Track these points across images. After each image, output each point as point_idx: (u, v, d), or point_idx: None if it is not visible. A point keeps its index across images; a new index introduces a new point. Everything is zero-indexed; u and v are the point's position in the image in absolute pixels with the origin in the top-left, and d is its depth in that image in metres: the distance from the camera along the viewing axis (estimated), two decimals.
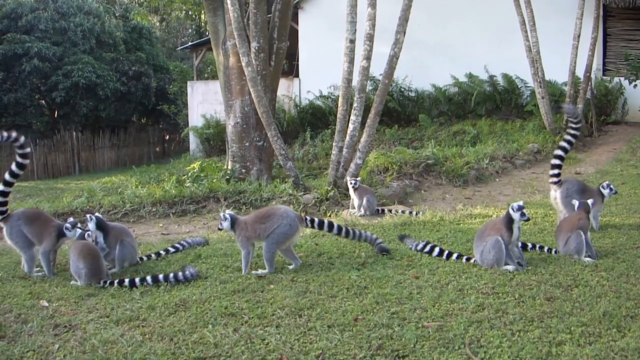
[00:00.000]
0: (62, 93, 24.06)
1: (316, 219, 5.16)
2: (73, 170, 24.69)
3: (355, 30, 8.15)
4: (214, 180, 8.87)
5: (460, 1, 16.35)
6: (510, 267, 4.58)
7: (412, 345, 3.33)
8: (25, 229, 5.01)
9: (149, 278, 4.60)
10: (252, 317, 3.82)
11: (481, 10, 16.03)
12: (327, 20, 17.28)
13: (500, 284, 4.27)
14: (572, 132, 5.89)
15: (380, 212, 7.26)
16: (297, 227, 4.92)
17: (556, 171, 5.97)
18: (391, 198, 8.03)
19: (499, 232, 4.65)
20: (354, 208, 7.29)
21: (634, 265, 4.61)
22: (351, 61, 8.21)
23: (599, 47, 14.58)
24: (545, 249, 5.14)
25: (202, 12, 27.22)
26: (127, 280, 4.59)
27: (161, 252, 5.60)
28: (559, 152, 5.92)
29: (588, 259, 4.78)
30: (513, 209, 4.63)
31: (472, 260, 4.85)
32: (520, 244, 4.86)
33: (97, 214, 5.65)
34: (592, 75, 13.58)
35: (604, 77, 15.10)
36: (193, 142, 21.36)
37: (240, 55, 8.67)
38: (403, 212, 7.12)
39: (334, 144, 8.39)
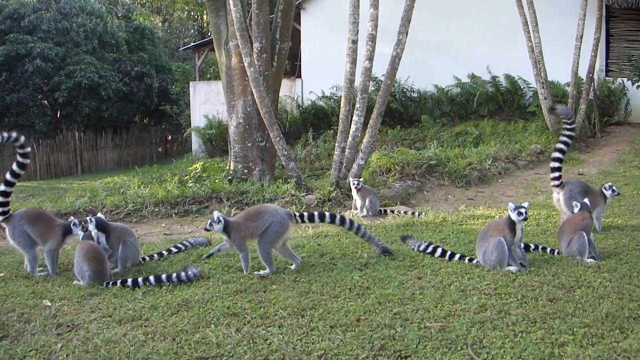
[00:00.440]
0: (65, 93, 24.11)
1: (305, 213, 5.14)
2: (75, 171, 24.73)
3: (358, 30, 8.15)
4: (216, 181, 8.87)
5: (463, 2, 16.35)
6: (512, 268, 4.58)
7: (415, 346, 3.33)
8: (28, 229, 5.02)
9: (151, 278, 4.61)
10: (255, 317, 3.82)
11: (483, 10, 16.03)
12: (329, 21, 17.30)
13: (502, 284, 4.27)
14: (568, 132, 5.86)
15: (382, 212, 7.26)
16: (287, 224, 4.90)
17: (557, 174, 5.95)
18: (393, 199, 8.03)
19: (501, 233, 4.65)
20: (356, 209, 7.29)
21: (636, 266, 4.60)
22: (353, 62, 8.21)
23: (602, 47, 14.56)
24: (548, 250, 5.13)
25: (205, 12, 27.18)
26: (129, 280, 4.60)
27: (163, 252, 5.61)
28: (556, 154, 5.90)
29: (591, 260, 4.77)
30: (511, 209, 4.63)
31: (474, 261, 4.85)
32: (522, 244, 4.86)
33: (99, 214, 5.65)
34: (595, 76, 13.56)
35: (607, 78, 15.08)
36: (195, 143, 21.39)
37: (243, 55, 8.67)
38: (405, 212, 7.12)
39: (336, 144, 8.39)
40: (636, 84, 13.30)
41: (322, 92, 18.28)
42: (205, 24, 33.81)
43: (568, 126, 5.82)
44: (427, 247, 5.21)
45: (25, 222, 5.05)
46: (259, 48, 10.02)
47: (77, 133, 25.19)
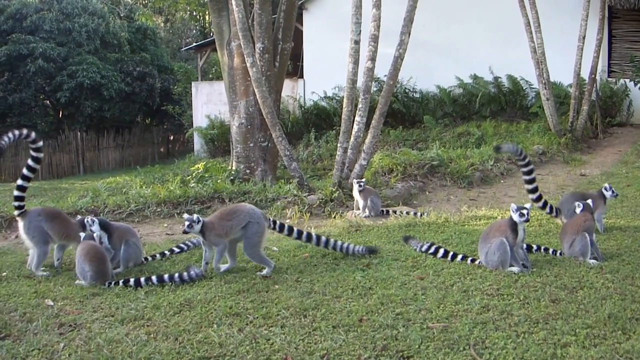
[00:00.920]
0: (67, 93, 24.14)
1: (278, 222, 5.12)
2: (77, 171, 24.77)
3: (360, 31, 8.15)
4: (218, 181, 8.88)
5: (465, 2, 16.35)
6: (515, 269, 4.58)
7: (417, 346, 3.33)
8: (46, 226, 5.08)
9: (154, 277, 4.61)
10: (257, 317, 3.82)
11: (486, 11, 16.02)
12: (331, 21, 17.30)
13: (505, 285, 4.27)
14: (525, 169, 5.59)
15: (384, 213, 7.26)
16: (264, 225, 4.89)
17: (540, 204, 5.81)
18: (396, 199, 8.03)
19: (503, 233, 4.65)
20: (358, 209, 7.29)
21: (639, 267, 4.59)
22: (356, 62, 8.21)
23: (604, 48, 14.54)
24: (550, 250, 5.13)
25: (207, 12, 27.25)
26: (132, 279, 4.61)
27: (166, 252, 5.61)
28: (528, 186, 5.70)
29: (593, 261, 4.77)
30: (513, 210, 4.63)
31: (476, 262, 4.84)
32: (525, 245, 4.85)
33: (100, 216, 5.69)
34: (597, 77, 13.55)
35: (609, 79, 15.07)
36: (197, 143, 21.41)
37: (245, 55, 8.68)
38: (408, 213, 7.11)
39: (338, 144, 8.39)
40: (638, 85, 13.29)
41: (324, 92, 18.29)
42: (207, 24, 33.86)
43: (522, 162, 5.55)
44: (429, 247, 5.21)
45: (43, 219, 5.11)
46: (261, 48, 10.04)
47: (79, 133, 25.24)
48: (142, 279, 4.59)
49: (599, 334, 3.41)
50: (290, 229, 5.16)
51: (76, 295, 4.40)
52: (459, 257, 4.97)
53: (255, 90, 8.75)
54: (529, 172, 5.57)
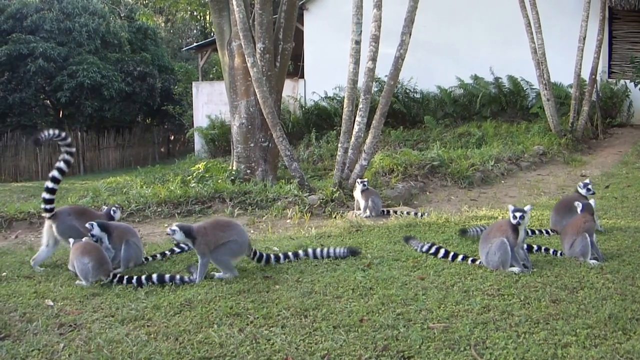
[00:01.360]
0: (67, 93, 24.15)
1: (258, 252, 5.01)
2: (78, 171, 24.77)
3: (361, 31, 8.15)
4: (219, 181, 8.88)
5: (466, 3, 16.36)
6: (515, 269, 4.57)
7: (418, 347, 3.33)
8: (77, 223, 5.20)
9: (154, 276, 4.60)
10: (258, 318, 3.82)
11: (486, 12, 16.03)
12: (332, 22, 17.31)
13: (505, 285, 4.27)
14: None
15: (385, 213, 7.25)
16: (244, 251, 4.87)
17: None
18: (396, 199, 8.02)
19: (504, 233, 4.65)
20: (358, 209, 7.28)
21: (639, 268, 4.59)
22: (356, 62, 8.21)
23: (605, 49, 14.56)
24: (551, 251, 5.13)
25: (208, 12, 27.25)
26: (134, 278, 4.60)
27: (166, 252, 5.61)
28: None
29: (594, 261, 4.77)
30: (511, 212, 4.64)
31: (477, 262, 4.84)
32: (525, 245, 4.85)
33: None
34: (598, 78, 13.55)
35: (610, 80, 15.08)
36: (198, 143, 21.42)
37: (246, 56, 8.67)
38: (408, 213, 7.11)
39: (339, 145, 8.39)
40: (639, 86, 13.29)
41: (325, 92, 18.29)
42: (208, 24, 33.89)
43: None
44: (430, 247, 5.21)
45: (73, 217, 5.24)
46: (262, 48, 10.04)
47: (79, 133, 25.23)
48: (144, 277, 4.59)
49: (599, 334, 3.41)
50: (268, 257, 5.04)
51: (76, 296, 4.39)
52: (460, 257, 4.97)
53: (256, 90, 8.75)
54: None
